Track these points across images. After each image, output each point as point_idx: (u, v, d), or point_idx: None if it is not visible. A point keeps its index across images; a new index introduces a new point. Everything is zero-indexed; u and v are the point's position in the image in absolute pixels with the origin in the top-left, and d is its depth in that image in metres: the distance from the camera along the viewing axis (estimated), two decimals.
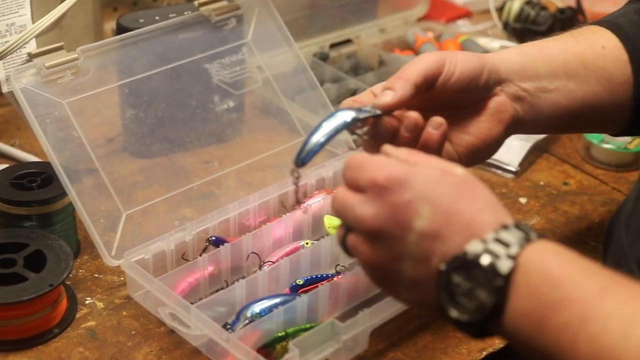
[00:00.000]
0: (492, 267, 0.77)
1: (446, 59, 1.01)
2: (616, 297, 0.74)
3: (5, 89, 1.18)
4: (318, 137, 0.96)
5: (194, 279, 1.14)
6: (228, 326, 1.06)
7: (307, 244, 1.18)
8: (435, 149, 1.01)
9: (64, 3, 1.19)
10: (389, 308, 1.08)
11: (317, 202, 1.25)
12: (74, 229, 1.21)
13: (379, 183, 0.82)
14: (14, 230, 1.15)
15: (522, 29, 1.74)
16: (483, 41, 1.73)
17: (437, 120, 1.00)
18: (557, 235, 1.30)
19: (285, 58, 1.40)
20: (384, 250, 0.83)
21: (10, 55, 1.17)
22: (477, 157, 1.07)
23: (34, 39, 1.20)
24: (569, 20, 1.72)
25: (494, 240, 0.78)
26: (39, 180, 1.19)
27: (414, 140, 1.00)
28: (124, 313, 1.13)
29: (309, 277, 1.14)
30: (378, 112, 0.98)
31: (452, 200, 0.81)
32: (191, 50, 1.32)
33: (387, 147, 0.89)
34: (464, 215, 0.80)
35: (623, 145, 1.42)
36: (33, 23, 1.19)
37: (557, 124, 1.10)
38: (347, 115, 0.97)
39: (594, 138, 1.44)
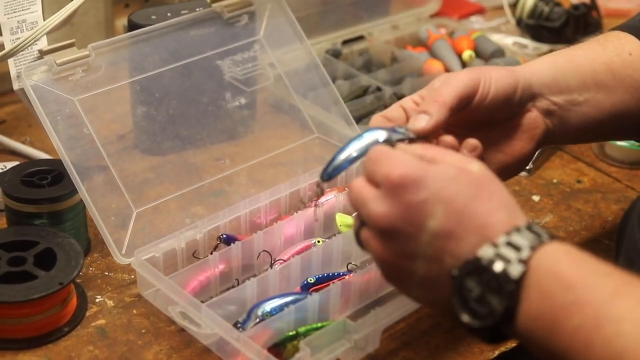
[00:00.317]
0: (503, 273, 0.77)
1: (481, 78, 0.98)
2: (629, 299, 0.74)
3: (16, 86, 1.17)
4: (347, 153, 0.93)
5: (205, 277, 1.13)
6: (239, 325, 1.06)
7: (318, 242, 1.17)
8: None
9: (75, 0, 1.19)
10: (401, 307, 1.07)
11: (329, 199, 1.24)
12: (84, 227, 1.21)
13: (394, 180, 0.81)
14: (24, 228, 1.14)
15: (536, 26, 1.73)
16: (496, 38, 1.72)
17: (472, 142, 0.97)
18: (570, 233, 1.29)
19: (298, 55, 1.39)
20: (396, 248, 0.83)
21: (21, 52, 1.17)
22: (508, 174, 1.06)
23: (45, 36, 1.19)
24: (583, 16, 1.71)
25: (506, 244, 0.78)
26: (50, 177, 1.18)
27: None
28: (134, 311, 1.13)
29: (320, 276, 1.13)
30: (411, 135, 0.95)
31: (466, 200, 0.80)
32: (203, 47, 1.31)
33: (401, 144, 0.88)
34: (478, 215, 0.80)
35: (638, 143, 1.41)
36: (44, 20, 1.19)
37: (585, 135, 1.09)
38: (379, 135, 0.93)
39: None
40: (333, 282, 1.11)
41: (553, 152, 1.45)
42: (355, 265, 1.17)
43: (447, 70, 1.60)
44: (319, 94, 1.39)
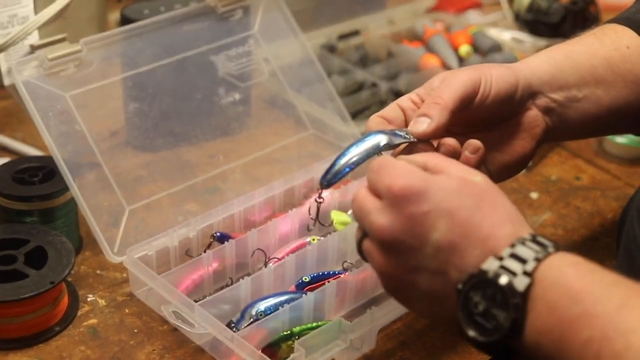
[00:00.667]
0: (508, 286, 0.75)
1: (481, 78, 0.96)
2: (638, 311, 0.71)
3: (7, 82, 1.16)
4: (347, 158, 0.92)
5: (198, 275, 1.12)
6: (232, 325, 1.05)
7: (313, 240, 1.16)
8: None
9: None
10: (398, 306, 1.05)
11: (324, 196, 1.22)
12: (75, 225, 1.19)
13: (395, 192, 0.79)
14: (14, 226, 1.13)
15: (534, 20, 1.72)
16: (494, 32, 1.70)
17: (475, 144, 0.95)
18: (568, 231, 1.28)
19: (292, 50, 1.38)
20: (398, 261, 0.81)
21: (12, 47, 1.16)
22: (509, 173, 1.04)
23: (36, 31, 1.18)
24: (581, 11, 1.69)
25: (510, 256, 0.76)
26: (41, 174, 1.17)
27: None
28: (127, 311, 1.12)
29: (315, 274, 1.12)
30: (412, 138, 0.94)
31: (470, 213, 0.78)
32: (196, 41, 1.30)
33: (402, 156, 0.86)
34: (482, 228, 0.78)
35: (637, 139, 1.40)
36: (35, 14, 1.18)
37: (585, 131, 1.08)
38: (380, 139, 0.92)
39: None
40: (328, 281, 1.09)
41: (551, 149, 1.44)
42: (351, 263, 1.16)
43: (444, 65, 1.58)
44: (314, 89, 1.38)
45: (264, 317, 1.04)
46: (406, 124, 0.98)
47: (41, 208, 1.14)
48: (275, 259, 1.14)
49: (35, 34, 1.18)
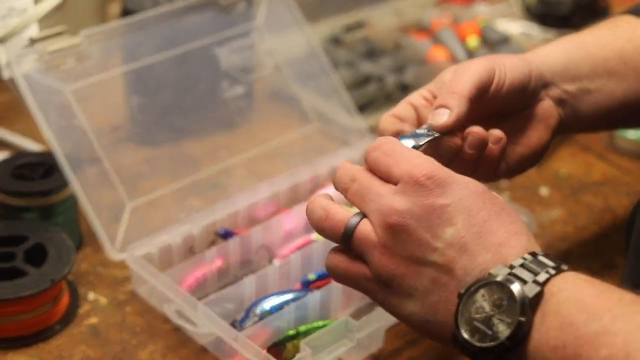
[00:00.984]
0: (517, 291, 0.72)
1: (495, 66, 0.95)
2: None
3: (6, 75, 1.15)
4: None
5: (202, 273, 1.11)
6: (237, 324, 1.03)
7: (319, 236, 1.14)
8: (494, 164, 0.97)
9: None
10: None
11: (330, 192, 1.21)
12: (76, 222, 1.18)
13: (418, 180, 0.77)
14: (13, 223, 1.12)
15: (543, 12, 1.70)
16: (502, 24, 1.69)
17: (497, 134, 0.95)
18: (579, 228, 1.26)
19: (297, 42, 1.37)
20: (405, 250, 0.77)
21: (11, 40, 1.14)
22: (526, 165, 1.02)
23: (35, 23, 1.16)
24: (591, 3, 1.68)
25: (521, 266, 0.74)
26: (41, 170, 1.16)
27: (478, 157, 0.95)
28: (128, 309, 1.10)
29: (321, 272, 1.10)
30: (436, 134, 0.91)
31: (489, 217, 0.77)
32: (199, 34, 1.29)
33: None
34: (497, 233, 0.76)
35: None
36: (34, 6, 1.16)
37: (597, 123, 1.07)
38: (406, 144, 0.88)
39: None
40: None
41: (561, 143, 1.42)
42: None
43: (452, 58, 1.57)
44: (320, 82, 1.37)
45: (268, 316, 1.03)
46: (419, 122, 0.97)
47: (41, 204, 1.13)
48: (280, 256, 1.13)
49: (35, 26, 1.16)
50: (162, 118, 1.28)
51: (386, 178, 0.79)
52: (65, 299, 1.09)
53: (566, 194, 1.32)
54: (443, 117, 0.91)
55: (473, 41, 1.60)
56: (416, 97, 0.98)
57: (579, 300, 0.71)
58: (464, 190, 0.77)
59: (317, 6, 1.61)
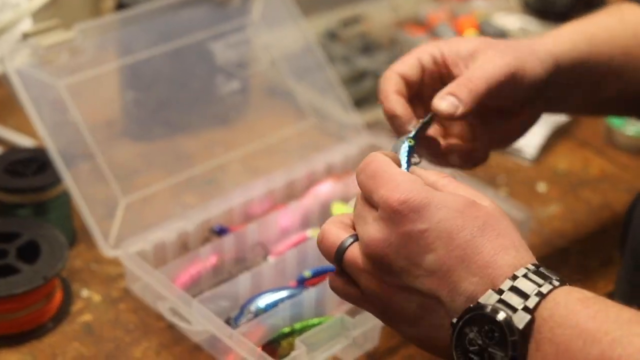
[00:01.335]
0: (506, 323, 0.69)
1: (516, 71, 0.93)
2: None
3: None
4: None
5: (196, 270, 1.10)
6: (231, 321, 1.02)
7: (314, 232, 1.13)
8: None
9: None
10: None
11: (326, 188, 1.21)
12: (69, 218, 1.17)
13: (392, 206, 0.73)
14: (6, 219, 1.11)
15: (541, 7, 1.69)
16: (500, 18, 1.68)
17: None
18: (577, 224, 1.25)
19: (293, 37, 1.37)
20: (389, 277, 0.75)
21: (3, 35, 1.13)
22: (513, 139, 1.04)
23: (28, 17, 1.16)
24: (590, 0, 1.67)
25: (511, 290, 0.70)
26: (34, 166, 1.15)
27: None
28: (122, 306, 1.09)
29: (316, 269, 1.09)
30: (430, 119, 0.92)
31: (471, 236, 0.73)
32: (194, 28, 1.28)
33: (416, 169, 0.83)
34: (482, 253, 0.72)
35: None
36: (28, 0, 1.15)
37: (581, 111, 1.10)
38: (404, 147, 0.88)
39: (615, 123, 1.38)
40: None
41: (560, 139, 1.42)
42: None
43: None
44: (315, 78, 1.37)
45: (263, 313, 1.02)
46: (423, 83, 0.96)
47: (34, 200, 1.12)
48: (276, 253, 1.12)
49: (28, 20, 1.15)
50: (156, 113, 1.27)
51: (370, 203, 0.77)
52: (58, 296, 1.08)
53: (564, 190, 1.31)
54: (450, 108, 0.90)
55: (470, 35, 1.59)
56: (425, 56, 0.96)
57: (574, 325, 0.68)
58: (441, 210, 0.73)
59: (313, 1, 1.60)
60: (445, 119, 0.93)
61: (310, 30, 1.39)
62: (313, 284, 1.06)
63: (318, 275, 1.08)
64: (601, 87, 1.05)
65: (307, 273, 1.08)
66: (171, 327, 1.06)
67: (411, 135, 0.90)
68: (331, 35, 1.58)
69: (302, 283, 1.08)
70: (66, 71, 1.16)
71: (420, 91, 0.97)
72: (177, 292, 1.03)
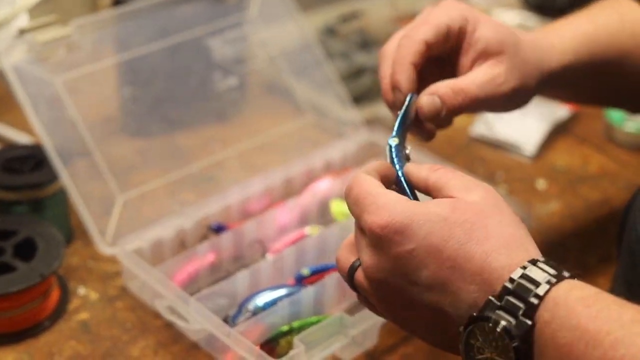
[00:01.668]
0: (507, 332, 0.69)
1: (516, 90, 0.95)
2: None
3: None
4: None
5: (194, 268, 1.09)
6: (229, 319, 1.02)
7: (312, 230, 1.13)
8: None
9: None
10: None
11: (324, 185, 1.20)
12: (66, 215, 1.17)
13: (376, 232, 0.73)
14: (2, 217, 1.10)
15: (542, 4, 1.69)
16: (501, 16, 1.68)
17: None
18: (577, 221, 1.24)
19: (291, 33, 1.36)
20: (395, 297, 0.76)
21: (0, 31, 1.12)
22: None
23: (25, 13, 1.15)
24: None
25: (509, 294, 0.69)
26: (31, 163, 1.15)
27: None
28: (119, 304, 1.09)
29: (315, 267, 1.09)
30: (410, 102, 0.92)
31: (459, 244, 0.72)
32: (192, 24, 1.28)
33: (409, 166, 0.82)
34: (474, 260, 0.71)
35: None
36: None
37: (575, 98, 1.10)
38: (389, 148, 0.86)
39: (615, 119, 1.38)
40: (329, 274, 1.06)
41: (559, 136, 1.41)
42: None
43: None
44: (313, 74, 1.36)
45: (261, 312, 1.01)
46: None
47: (31, 198, 1.12)
48: (274, 251, 1.11)
49: (24, 16, 1.15)
50: (154, 110, 1.27)
51: (360, 228, 0.77)
52: (55, 294, 1.07)
53: (563, 187, 1.30)
54: (433, 111, 0.92)
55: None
56: (455, 26, 0.95)
57: (575, 326, 0.67)
58: (424, 226, 0.72)
59: None
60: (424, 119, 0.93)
61: (308, 26, 1.39)
62: (311, 282, 1.06)
63: (316, 273, 1.08)
64: (595, 86, 1.05)
65: (305, 271, 1.08)
66: (169, 325, 1.05)
67: (393, 135, 0.87)
68: (329, 31, 1.57)
69: (301, 281, 1.08)
70: (63, 67, 1.15)
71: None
72: (175, 290, 1.03)
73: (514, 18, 1.69)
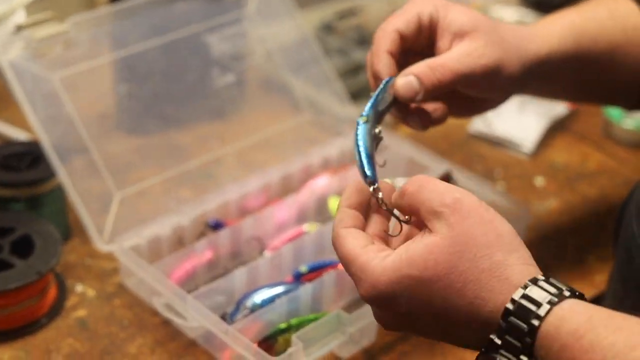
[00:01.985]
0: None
1: (495, 68, 0.95)
2: None
3: None
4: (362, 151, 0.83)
5: (191, 265, 1.09)
6: (227, 317, 1.02)
7: (310, 227, 1.13)
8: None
9: None
10: None
11: (322, 182, 1.20)
12: (64, 212, 1.16)
13: (364, 298, 0.75)
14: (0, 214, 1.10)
15: (540, 0, 1.68)
16: (498, 12, 1.67)
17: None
18: (575, 218, 1.24)
19: (289, 30, 1.35)
20: (414, 331, 0.77)
21: None
22: (479, 113, 1.05)
23: (22, 10, 1.15)
24: None
25: (500, 337, 0.69)
26: (28, 160, 1.14)
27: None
28: (117, 302, 1.08)
29: (313, 264, 1.08)
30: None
31: (442, 299, 0.71)
32: (189, 21, 1.27)
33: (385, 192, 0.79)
34: (462, 311, 0.71)
35: None
36: None
37: (565, 95, 1.10)
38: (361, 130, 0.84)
39: (613, 116, 1.37)
40: (327, 271, 1.06)
41: (557, 133, 1.41)
42: None
43: None
44: (311, 71, 1.36)
45: (259, 309, 1.01)
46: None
47: (28, 195, 1.11)
48: (272, 248, 1.11)
49: (21, 12, 1.14)
50: (151, 107, 1.26)
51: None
52: (52, 292, 1.07)
53: (562, 184, 1.30)
54: (410, 93, 0.92)
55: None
56: (426, 14, 0.97)
57: (579, 347, 0.67)
58: (405, 292, 0.72)
59: None
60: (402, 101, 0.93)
61: (306, 22, 1.38)
62: (309, 280, 1.06)
63: (314, 270, 1.08)
64: (583, 80, 1.05)
65: (303, 268, 1.08)
66: (166, 322, 1.05)
67: (362, 114, 0.85)
68: (327, 28, 1.57)
69: (299, 278, 1.07)
70: (60, 64, 1.15)
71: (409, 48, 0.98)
72: (172, 288, 1.02)
73: (512, 15, 1.69)
